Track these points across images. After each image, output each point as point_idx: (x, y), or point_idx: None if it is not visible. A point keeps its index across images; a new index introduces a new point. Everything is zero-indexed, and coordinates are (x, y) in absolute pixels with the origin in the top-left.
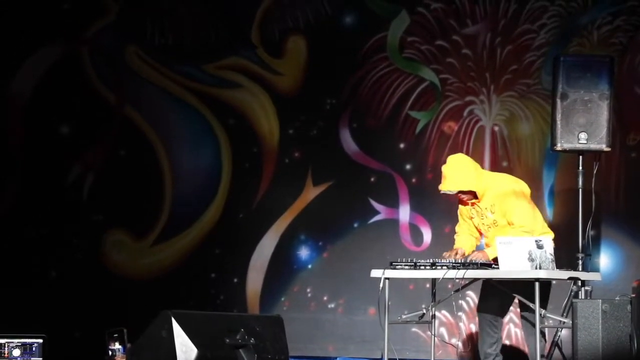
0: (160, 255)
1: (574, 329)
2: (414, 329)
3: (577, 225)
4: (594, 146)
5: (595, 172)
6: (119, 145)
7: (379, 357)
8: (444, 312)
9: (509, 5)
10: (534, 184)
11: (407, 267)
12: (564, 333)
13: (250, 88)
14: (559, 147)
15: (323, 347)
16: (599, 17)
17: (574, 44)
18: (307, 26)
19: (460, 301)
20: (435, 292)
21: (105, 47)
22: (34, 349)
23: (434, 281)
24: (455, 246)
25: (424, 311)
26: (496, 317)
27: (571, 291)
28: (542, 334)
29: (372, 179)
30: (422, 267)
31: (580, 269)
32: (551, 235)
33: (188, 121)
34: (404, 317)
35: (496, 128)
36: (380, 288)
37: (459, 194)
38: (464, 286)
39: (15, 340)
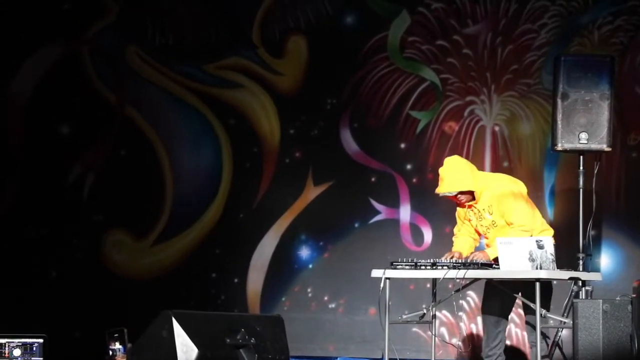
0: (160, 255)
1: (574, 329)
2: (414, 329)
3: (577, 225)
4: (594, 146)
5: (596, 172)
6: (120, 145)
7: (380, 357)
8: (444, 312)
9: (509, 5)
10: (535, 184)
11: (407, 267)
12: (565, 333)
13: (250, 88)
14: (559, 147)
15: (324, 347)
16: (599, 17)
17: (575, 44)
18: (307, 26)
19: (460, 301)
20: (436, 292)
21: (106, 47)
22: (34, 348)
23: (434, 281)
24: (453, 249)
25: (425, 311)
26: (499, 318)
27: (572, 291)
28: (544, 335)
29: (373, 179)
30: (423, 267)
31: (580, 269)
32: (551, 232)
33: (188, 121)
34: (404, 317)
35: (497, 128)
36: (381, 288)
37: (458, 196)
38: (465, 286)
39: (16, 340)
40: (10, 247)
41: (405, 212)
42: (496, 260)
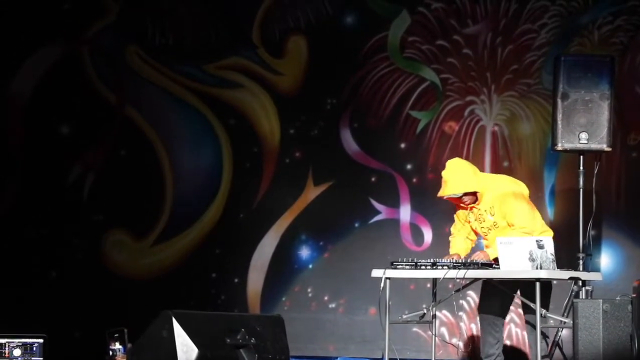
0: (160, 255)
1: (574, 329)
2: (414, 329)
3: (577, 225)
4: (594, 146)
5: (596, 172)
6: (120, 145)
7: (380, 357)
8: (444, 312)
9: (509, 4)
10: (535, 184)
11: (407, 267)
12: (565, 333)
13: (250, 88)
14: (559, 147)
15: (324, 347)
16: (599, 17)
17: (575, 44)
18: (308, 26)
19: (461, 301)
20: (436, 292)
21: (106, 47)
22: (34, 348)
23: (434, 281)
24: (450, 251)
25: (425, 311)
26: (497, 317)
27: (572, 291)
28: (544, 335)
29: (373, 179)
30: (423, 267)
31: (581, 269)
32: (551, 234)
33: (188, 121)
34: (404, 317)
35: (497, 128)
36: (381, 288)
37: (462, 197)
38: (465, 286)
39: (16, 340)
40: (10, 247)
41: (405, 212)
42: (496, 260)
